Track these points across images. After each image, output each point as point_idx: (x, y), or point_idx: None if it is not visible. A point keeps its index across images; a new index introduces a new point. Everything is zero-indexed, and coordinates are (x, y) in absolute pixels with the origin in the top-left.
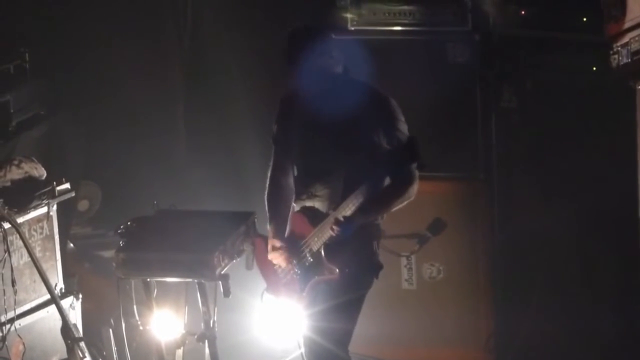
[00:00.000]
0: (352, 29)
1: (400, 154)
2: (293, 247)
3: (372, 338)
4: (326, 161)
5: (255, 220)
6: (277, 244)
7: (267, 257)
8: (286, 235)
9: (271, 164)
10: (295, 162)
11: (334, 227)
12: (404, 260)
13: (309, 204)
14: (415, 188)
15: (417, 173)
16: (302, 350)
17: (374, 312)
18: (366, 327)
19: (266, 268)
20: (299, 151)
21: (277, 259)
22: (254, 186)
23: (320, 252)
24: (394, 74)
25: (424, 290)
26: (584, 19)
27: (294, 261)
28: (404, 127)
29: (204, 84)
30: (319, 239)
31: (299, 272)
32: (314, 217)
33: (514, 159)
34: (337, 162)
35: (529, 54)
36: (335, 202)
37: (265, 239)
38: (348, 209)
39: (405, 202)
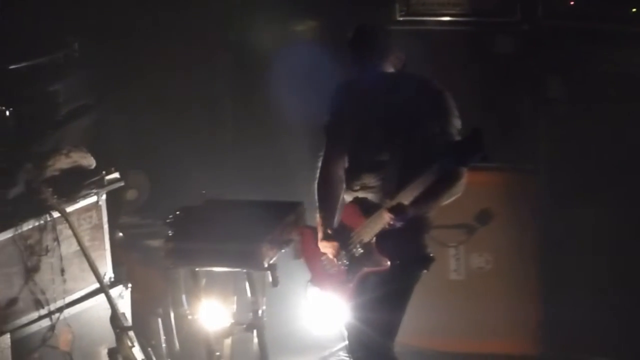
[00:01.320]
0: (400, 19)
1: (466, 145)
2: (342, 237)
3: (419, 328)
4: (381, 153)
5: (304, 210)
6: (327, 233)
7: (313, 248)
8: (336, 225)
9: (322, 154)
10: (348, 153)
11: (390, 215)
12: (452, 251)
13: (361, 195)
14: (463, 183)
15: (465, 169)
16: (347, 341)
17: (422, 303)
18: (413, 317)
19: (312, 259)
20: (353, 143)
21: (326, 248)
22: (300, 177)
23: (371, 243)
24: (441, 64)
25: (472, 281)
26: (633, 10)
27: (343, 252)
28: (457, 123)
29: (251, 74)
30: (371, 229)
31: (347, 263)
32: (366, 208)
33: (562, 149)
34: (392, 154)
35: (577, 45)
36: (389, 194)
37: (312, 230)
38: (405, 199)
39: (453, 198)
